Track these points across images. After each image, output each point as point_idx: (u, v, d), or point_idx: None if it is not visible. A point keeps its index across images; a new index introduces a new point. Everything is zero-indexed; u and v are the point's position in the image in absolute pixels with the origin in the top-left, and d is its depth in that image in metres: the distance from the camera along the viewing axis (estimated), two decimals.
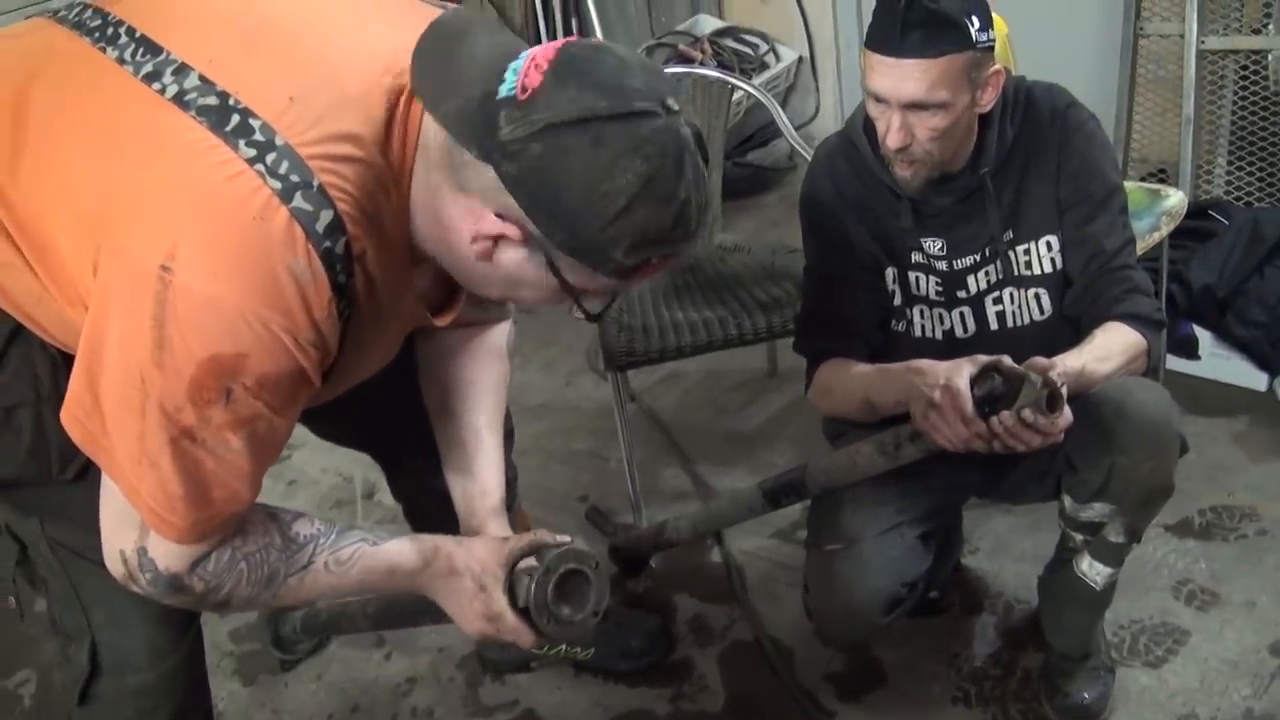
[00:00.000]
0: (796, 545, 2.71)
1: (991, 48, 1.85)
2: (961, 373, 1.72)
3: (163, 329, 1.19)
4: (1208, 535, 2.61)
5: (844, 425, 2.13)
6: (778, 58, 4.96)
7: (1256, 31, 3.73)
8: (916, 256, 2.04)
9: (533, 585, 1.48)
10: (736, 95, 3.23)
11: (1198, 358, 3.19)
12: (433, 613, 1.64)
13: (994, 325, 2.03)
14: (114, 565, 1.37)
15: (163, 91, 1.26)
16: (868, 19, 1.91)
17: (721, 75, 3.28)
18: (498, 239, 1.27)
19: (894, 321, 2.08)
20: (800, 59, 5.05)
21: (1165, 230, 2.81)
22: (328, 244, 1.23)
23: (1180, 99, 3.80)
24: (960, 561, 2.54)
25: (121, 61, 1.30)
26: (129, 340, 1.22)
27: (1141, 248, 2.68)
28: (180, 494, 1.27)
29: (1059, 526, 2.02)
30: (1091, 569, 1.95)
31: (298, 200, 1.21)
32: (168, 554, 1.34)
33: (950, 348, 2.01)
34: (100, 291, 1.23)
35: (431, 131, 1.28)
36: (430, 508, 1.97)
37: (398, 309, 1.43)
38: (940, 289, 2.03)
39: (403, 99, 1.29)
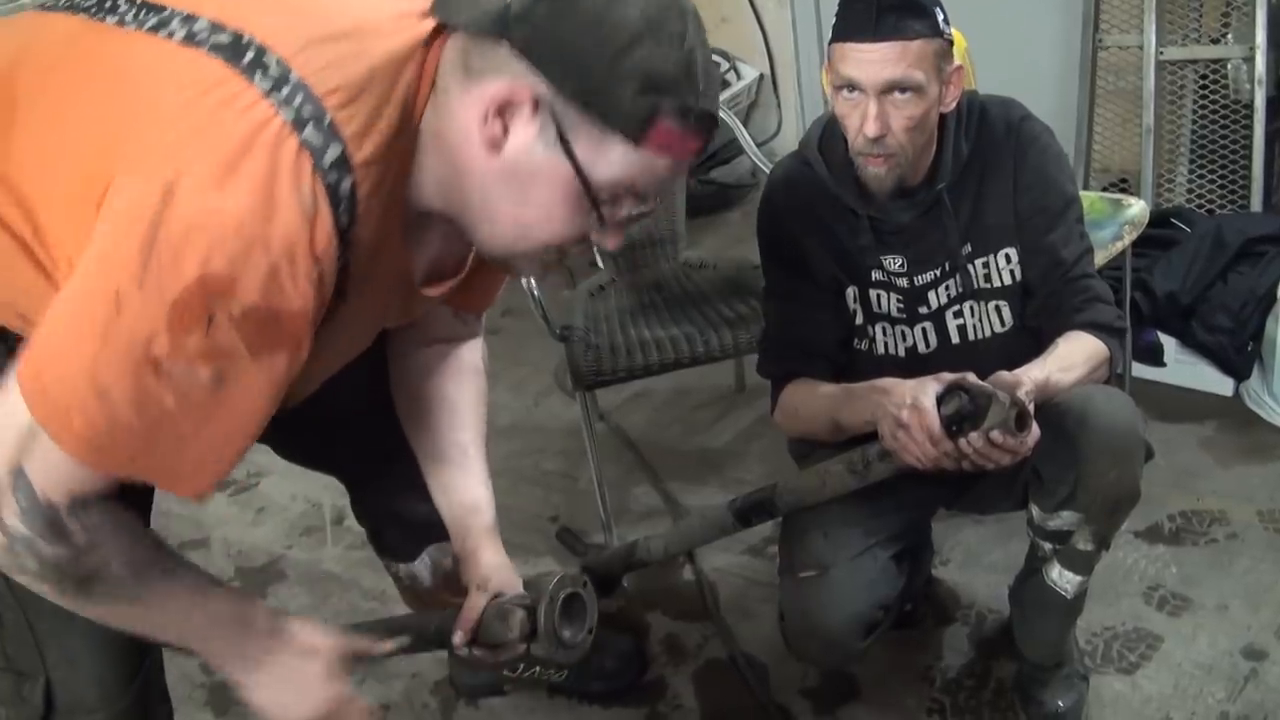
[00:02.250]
0: (768, 561, 2.71)
1: (952, 43, 1.88)
2: (927, 391, 1.72)
3: (153, 246, 1.14)
4: (1178, 540, 2.62)
5: (810, 445, 2.13)
6: (739, 75, 5.00)
7: (1215, 41, 3.77)
8: (877, 274, 2.04)
9: (540, 615, 1.51)
10: None
11: (1163, 364, 3.21)
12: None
13: (955, 339, 2.03)
14: None
15: (170, 36, 1.25)
16: (827, 35, 1.92)
17: None
18: (505, 108, 1.24)
19: (856, 340, 2.08)
20: (761, 76, 5.10)
21: (1128, 239, 2.84)
22: (334, 178, 1.22)
23: (1140, 109, 3.84)
24: (931, 573, 2.54)
25: (123, 23, 1.30)
26: (112, 257, 1.16)
27: (1104, 257, 2.70)
28: (124, 424, 1.20)
29: (1028, 536, 2.02)
30: (1062, 577, 1.96)
31: (308, 132, 1.20)
32: (51, 475, 1.23)
33: (913, 363, 2.02)
34: (94, 234, 1.19)
35: (447, 61, 1.29)
36: (394, 530, 1.97)
37: (386, 277, 1.40)
38: (901, 305, 2.04)
39: (417, 52, 1.29)
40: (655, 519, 3.00)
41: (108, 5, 1.33)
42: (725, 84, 4.90)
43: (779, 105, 5.18)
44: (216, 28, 1.25)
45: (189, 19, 1.26)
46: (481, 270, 1.62)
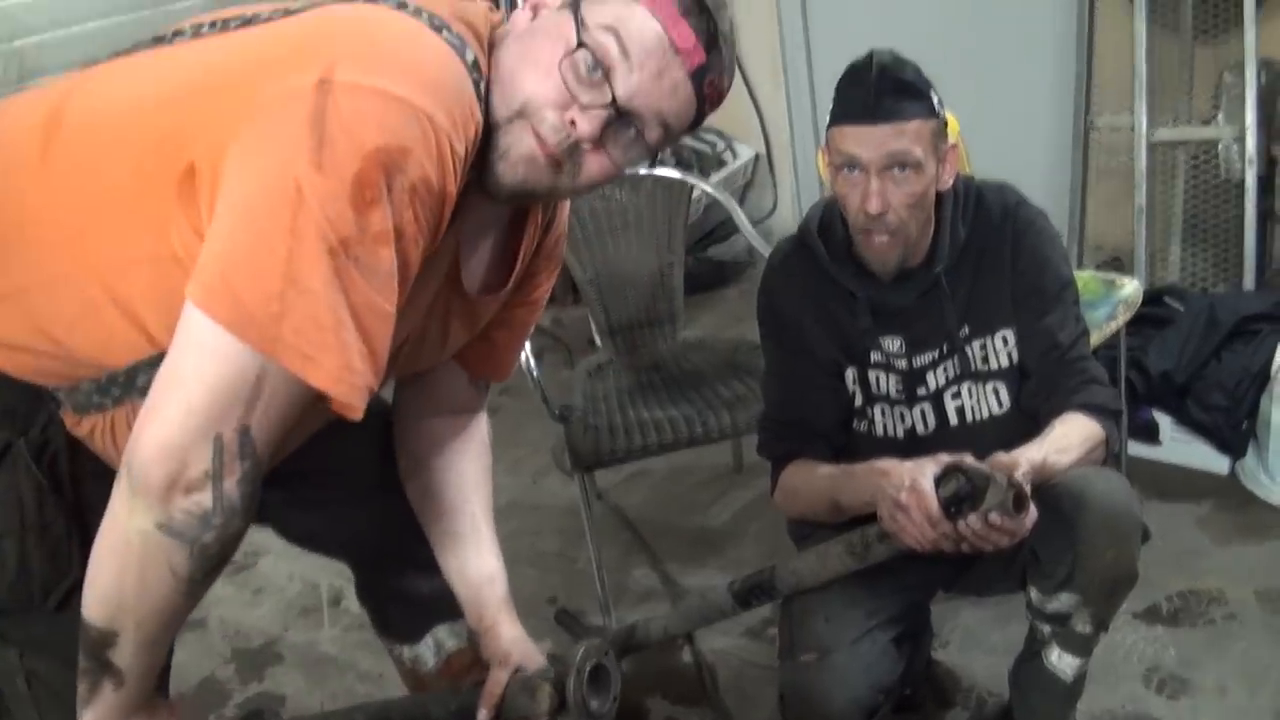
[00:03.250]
0: (768, 643, 2.69)
1: (947, 123, 1.93)
2: (925, 473, 1.73)
3: (323, 129, 1.15)
4: (1176, 621, 2.61)
5: (810, 526, 2.13)
6: (735, 155, 5.04)
7: (1206, 122, 3.82)
8: (875, 356, 2.06)
9: (569, 687, 1.51)
10: (696, 192, 3.28)
11: (1159, 443, 3.21)
12: None
13: (954, 421, 2.04)
14: (191, 464, 1.20)
15: (260, 16, 1.33)
16: (822, 115, 1.96)
17: (681, 175, 3.33)
18: (540, 5, 1.36)
19: (855, 421, 2.09)
20: (757, 156, 5.15)
21: (1122, 319, 2.85)
22: (475, 77, 1.27)
23: (1133, 188, 3.88)
24: (931, 655, 2.53)
25: (198, 34, 1.36)
26: (280, 155, 1.16)
27: (1099, 337, 2.71)
28: (331, 325, 1.18)
29: (1027, 618, 2.02)
30: (1061, 660, 1.95)
31: (446, 34, 1.26)
32: (268, 419, 1.21)
33: (912, 445, 2.03)
34: (232, 167, 1.19)
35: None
36: (399, 610, 1.96)
37: (437, 269, 1.43)
38: (900, 387, 2.05)
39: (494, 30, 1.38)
40: (654, 600, 2.99)
41: (168, 36, 1.38)
42: (721, 163, 4.94)
43: (774, 184, 5.23)
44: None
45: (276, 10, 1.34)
46: (504, 326, 1.67)
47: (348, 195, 1.15)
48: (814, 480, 2.04)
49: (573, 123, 1.31)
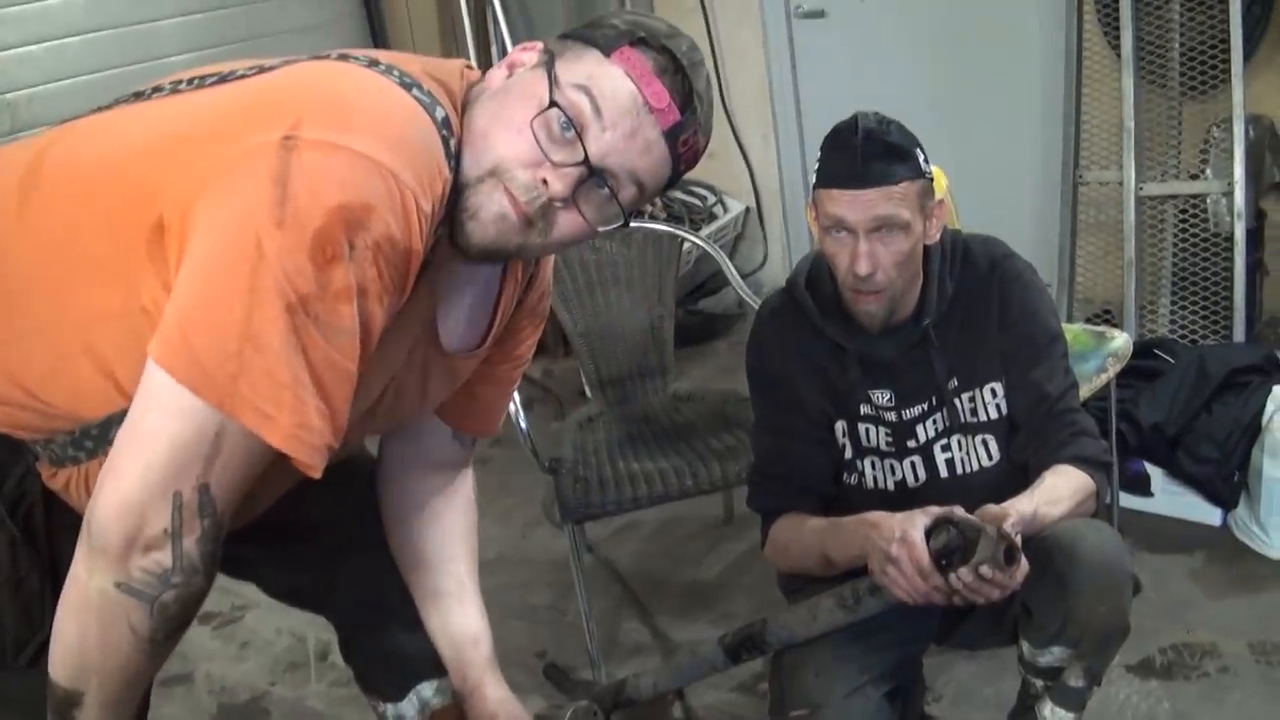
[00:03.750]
0: (759, 698, 2.67)
1: (933, 180, 1.94)
2: (916, 525, 1.72)
3: (286, 186, 1.14)
4: (1170, 674, 2.59)
5: (801, 580, 2.12)
6: (725, 209, 5.08)
7: (1194, 176, 3.84)
8: (865, 409, 2.06)
9: None
10: (686, 246, 3.29)
11: (1151, 494, 3.21)
12: None
13: (944, 473, 2.04)
14: (150, 522, 1.18)
15: (235, 73, 1.33)
16: (811, 169, 1.97)
17: (671, 229, 3.34)
18: (516, 62, 1.37)
19: (845, 474, 2.09)
20: (747, 209, 5.18)
21: (1112, 371, 2.85)
22: (444, 134, 1.27)
23: (1122, 242, 3.89)
24: (924, 710, 2.51)
25: (176, 90, 1.35)
26: (242, 210, 1.15)
27: (1089, 389, 2.71)
28: (288, 383, 1.17)
29: (1019, 672, 2.00)
30: (1054, 715, 1.93)
31: (415, 92, 1.26)
32: (227, 477, 1.20)
33: (903, 497, 2.02)
34: (198, 221, 1.18)
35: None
36: (383, 667, 1.93)
37: (409, 324, 1.41)
38: (890, 439, 2.05)
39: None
40: (645, 654, 2.97)
41: (146, 93, 1.38)
42: (712, 217, 4.97)
43: (765, 238, 5.25)
44: (292, 58, 1.35)
45: (254, 66, 1.35)
46: (489, 382, 1.66)
47: (308, 252, 1.15)
48: (804, 534, 2.03)
49: (544, 181, 1.31)
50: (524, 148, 1.31)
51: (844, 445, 2.08)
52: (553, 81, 1.31)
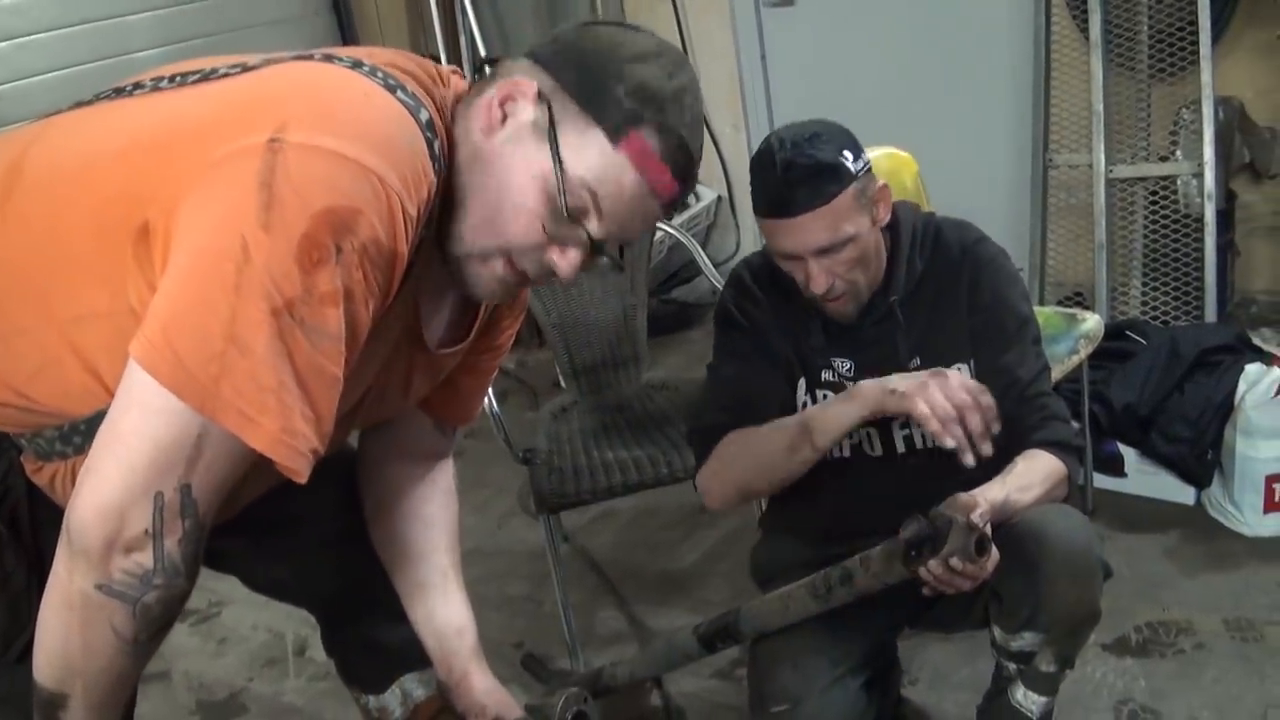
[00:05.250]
0: (736, 684, 2.68)
1: (869, 169, 1.93)
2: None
3: (272, 189, 1.13)
4: (1145, 652, 2.61)
5: (772, 571, 2.13)
6: (697, 197, 5.07)
7: (1164, 159, 3.86)
8: (826, 374, 2.07)
9: None
10: (659, 235, 3.29)
11: (1124, 475, 3.22)
12: None
13: (902, 448, 2.05)
14: (131, 523, 1.17)
15: (218, 71, 1.31)
16: None
17: None
18: (509, 99, 1.33)
19: None
20: (720, 198, 5.18)
21: (1084, 353, 2.87)
22: (428, 136, 1.27)
23: (1092, 224, 3.91)
24: (900, 694, 2.52)
25: (158, 87, 1.34)
26: (228, 213, 1.14)
27: (1061, 371, 2.73)
28: (272, 386, 1.16)
29: (993, 655, 2.01)
30: (1026, 698, 1.94)
31: (400, 95, 1.26)
32: (209, 478, 1.19)
33: (860, 463, 2.05)
34: (183, 224, 1.17)
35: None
36: (365, 659, 1.93)
37: (393, 324, 1.41)
38: None
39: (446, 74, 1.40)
40: (622, 642, 2.97)
41: (128, 89, 1.37)
42: (685, 205, 4.96)
43: (737, 226, 5.26)
44: (272, 56, 1.34)
45: (235, 64, 1.34)
46: (469, 371, 1.66)
47: (294, 255, 1.14)
48: (759, 433, 2.03)
49: (553, 259, 1.35)
50: (535, 236, 1.34)
51: (805, 403, 2.08)
52: (558, 170, 1.31)
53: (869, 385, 1.89)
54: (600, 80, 1.31)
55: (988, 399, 1.80)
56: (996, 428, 1.80)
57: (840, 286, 1.93)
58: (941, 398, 1.79)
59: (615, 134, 1.31)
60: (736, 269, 2.18)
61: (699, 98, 1.38)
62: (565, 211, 1.32)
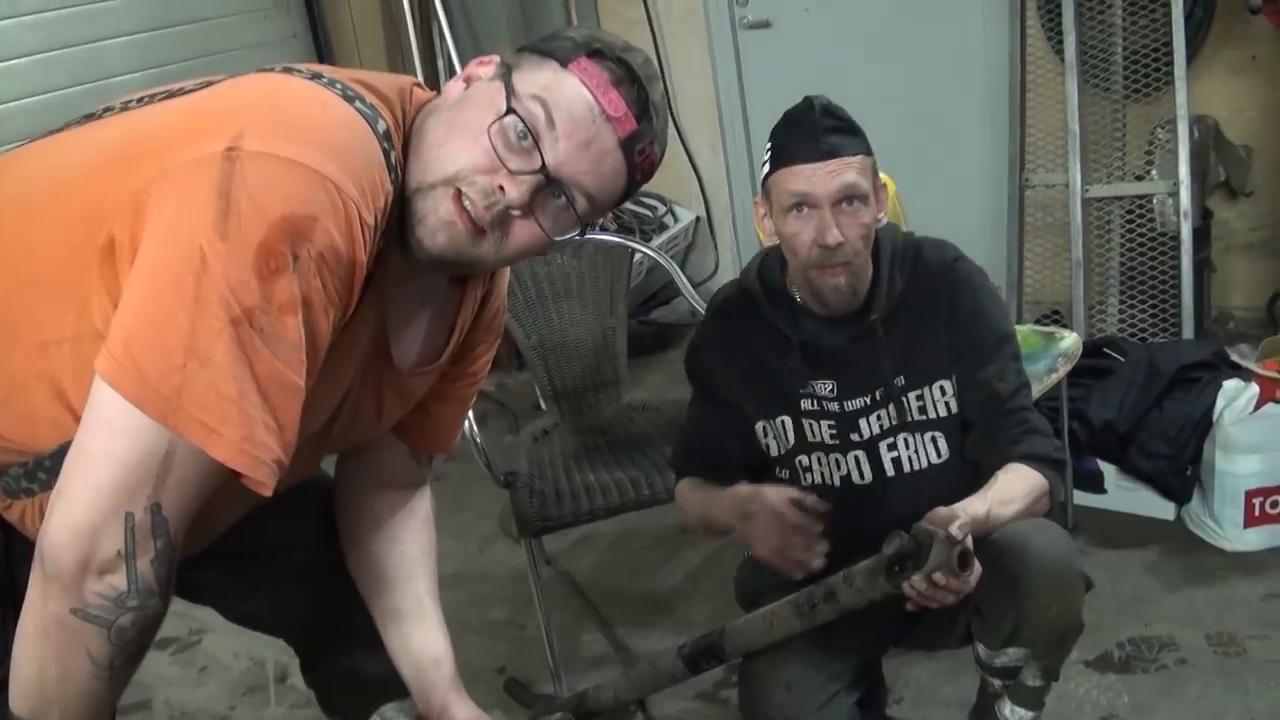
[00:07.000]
0: (721, 706, 2.67)
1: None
2: (776, 489, 1.91)
3: (229, 198, 1.13)
4: (1128, 668, 2.61)
5: (756, 590, 2.13)
6: (676, 218, 5.09)
7: (1139, 178, 3.88)
8: (807, 403, 2.07)
9: None
10: (638, 257, 3.29)
11: (1104, 492, 3.23)
12: None
13: (890, 471, 2.05)
14: (102, 545, 1.16)
15: (184, 90, 1.32)
16: (759, 178, 1.98)
17: (621, 239, 3.35)
18: (472, 75, 1.39)
19: (794, 469, 2.10)
20: (698, 219, 5.21)
21: (1062, 371, 2.88)
22: (385, 147, 1.27)
23: (1070, 243, 3.93)
24: (886, 713, 2.52)
25: (126, 108, 1.35)
26: (185, 221, 1.14)
27: (1040, 389, 2.73)
28: (233, 396, 1.15)
29: (977, 672, 2.01)
30: (1013, 714, 1.94)
31: (358, 105, 1.26)
32: (180, 495, 1.18)
33: (849, 493, 2.04)
34: (144, 234, 1.17)
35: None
36: (345, 690, 1.92)
37: (358, 337, 1.40)
38: (834, 432, 2.06)
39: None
40: (605, 665, 2.96)
41: (96, 114, 1.38)
42: (663, 227, 4.99)
43: (715, 246, 5.29)
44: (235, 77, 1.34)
45: (198, 85, 1.34)
46: (445, 400, 1.66)
47: (252, 264, 1.14)
48: (695, 495, 2.14)
49: (501, 188, 1.31)
50: (481, 155, 1.31)
51: (791, 440, 2.09)
52: (510, 91, 1.31)
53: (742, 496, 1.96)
54: (556, 34, 1.38)
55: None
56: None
57: (848, 252, 1.94)
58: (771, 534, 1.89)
59: (564, 59, 1.34)
60: (708, 307, 2.23)
61: (656, 75, 1.40)
62: (514, 116, 1.30)
